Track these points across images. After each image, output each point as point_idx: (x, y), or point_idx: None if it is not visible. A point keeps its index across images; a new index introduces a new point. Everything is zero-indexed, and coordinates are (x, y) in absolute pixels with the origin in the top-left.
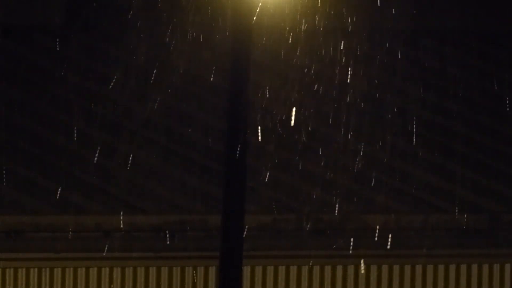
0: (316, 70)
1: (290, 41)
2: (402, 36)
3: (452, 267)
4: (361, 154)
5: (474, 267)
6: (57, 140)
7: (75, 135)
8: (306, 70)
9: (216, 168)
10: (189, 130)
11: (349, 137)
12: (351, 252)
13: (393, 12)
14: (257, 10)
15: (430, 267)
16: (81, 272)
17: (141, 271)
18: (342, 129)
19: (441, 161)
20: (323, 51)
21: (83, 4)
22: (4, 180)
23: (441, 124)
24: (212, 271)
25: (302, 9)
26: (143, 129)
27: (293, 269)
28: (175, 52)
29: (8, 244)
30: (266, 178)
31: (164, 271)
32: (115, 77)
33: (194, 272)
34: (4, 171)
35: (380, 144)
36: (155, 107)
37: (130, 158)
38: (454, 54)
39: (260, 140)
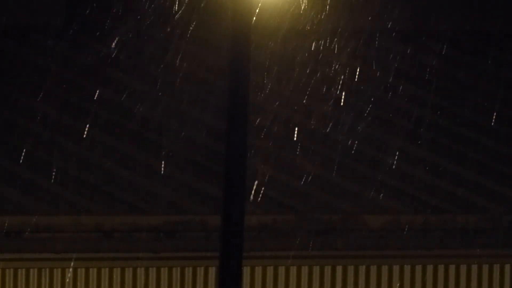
0: (315, 70)
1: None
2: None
3: (452, 267)
4: (361, 154)
5: (474, 267)
6: (57, 140)
7: (75, 135)
8: (306, 70)
9: (216, 168)
10: (189, 130)
11: (348, 137)
12: (351, 252)
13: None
14: (257, 10)
15: (430, 267)
16: (81, 272)
17: (141, 271)
18: (342, 129)
19: (441, 161)
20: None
21: (84, 4)
22: (5, 180)
23: (441, 124)
24: (212, 271)
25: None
26: (143, 129)
27: (293, 269)
28: (174, 51)
29: (8, 244)
30: (266, 178)
31: (164, 271)
32: (115, 77)
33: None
34: (4, 171)
35: (380, 144)
36: (155, 107)
37: (130, 158)
38: (453, 55)
39: (258, 139)
